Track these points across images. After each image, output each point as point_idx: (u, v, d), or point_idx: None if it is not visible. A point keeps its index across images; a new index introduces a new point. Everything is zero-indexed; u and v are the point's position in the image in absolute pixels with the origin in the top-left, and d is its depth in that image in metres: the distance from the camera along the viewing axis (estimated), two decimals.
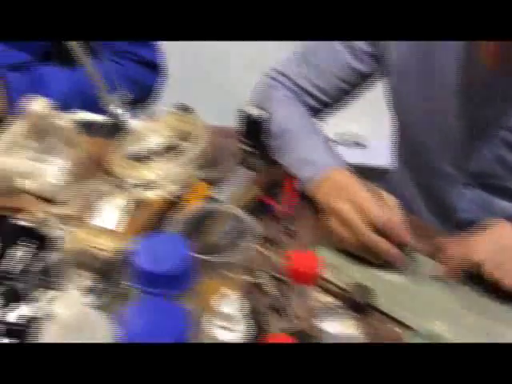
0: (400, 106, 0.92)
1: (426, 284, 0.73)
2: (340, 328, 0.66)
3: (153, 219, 0.76)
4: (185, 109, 0.92)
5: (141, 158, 0.86)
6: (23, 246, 0.72)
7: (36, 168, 0.78)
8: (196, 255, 0.55)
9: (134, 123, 0.92)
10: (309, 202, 0.82)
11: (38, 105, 0.76)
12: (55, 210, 0.76)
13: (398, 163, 1.02)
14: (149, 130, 0.89)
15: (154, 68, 1.12)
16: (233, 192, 0.80)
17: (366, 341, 0.63)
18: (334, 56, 0.91)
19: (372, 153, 1.72)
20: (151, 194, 0.79)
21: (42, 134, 0.78)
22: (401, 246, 0.73)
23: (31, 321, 0.62)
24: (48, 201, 0.78)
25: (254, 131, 0.85)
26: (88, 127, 0.87)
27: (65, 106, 0.83)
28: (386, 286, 0.72)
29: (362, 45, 0.89)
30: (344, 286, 0.71)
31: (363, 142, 1.82)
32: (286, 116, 0.90)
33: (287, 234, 0.79)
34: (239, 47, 1.80)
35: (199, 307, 0.56)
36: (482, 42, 0.71)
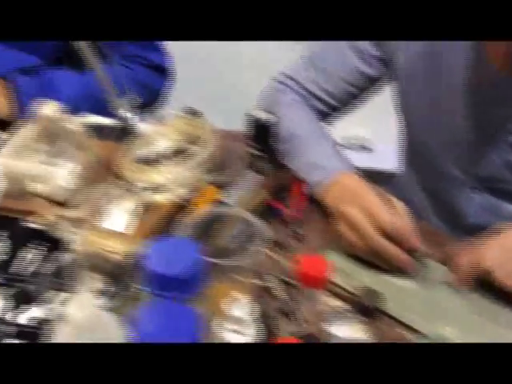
0: (408, 110, 0.92)
1: (435, 289, 0.73)
2: (349, 332, 0.67)
3: (162, 223, 0.77)
4: (193, 113, 0.92)
5: (150, 162, 0.86)
6: (34, 248, 0.73)
7: (47, 171, 0.78)
8: (206, 259, 0.56)
9: (143, 127, 0.92)
10: (317, 206, 0.82)
11: (49, 108, 0.77)
12: (66, 212, 0.76)
13: (405, 167, 1.02)
14: (158, 133, 0.90)
15: (162, 72, 1.12)
16: (241, 196, 0.80)
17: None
18: (342, 60, 0.91)
19: (378, 157, 1.73)
20: (160, 198, 0.80)
21: (52, 137, 0.79)
22: (411, 251, 0.73)
23: (42, 323, 0.63)
24: (58, 204, 0.78)
25: (263, 135, 0.86)
26: (97, 131, 0.88)
27: (74, 109, 0.84)
28: (395, 291, 0.72)
29: (370, 49, 0.89)
30: (353, 290, 0.71)
31: (369, 145, 1.82)
32: (295, 120, 0.90)
33: (296, 237, 0.79)
34: (248, 50, 1.81)
35: (209, 311, 0.56)
36: (491, 43, 0.71)
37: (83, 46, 0.85)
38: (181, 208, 0.78)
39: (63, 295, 0.57)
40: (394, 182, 1.06)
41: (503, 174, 0.84)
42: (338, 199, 0.77)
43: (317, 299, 0.64)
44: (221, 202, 0.77)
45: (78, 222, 0.74)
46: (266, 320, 0.62)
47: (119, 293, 0.58)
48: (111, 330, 0.48)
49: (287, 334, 0.64)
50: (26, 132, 0.80)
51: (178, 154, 0.86)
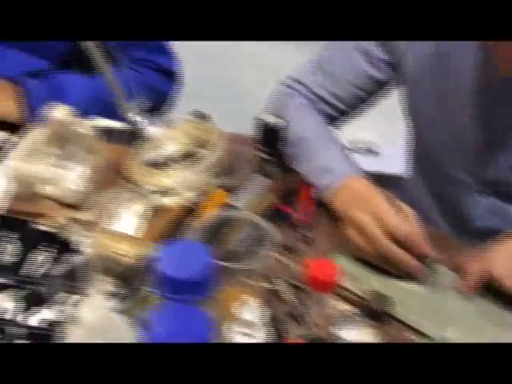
0: (415, 114, 0.92)
1: (444, 294, 0.73)
2: (358, 336, 0.67)
3: (171, 226, 0.77)
4: (201, 116, 0.93)
5: (159, 166, 0.87)
6: (44, 250, 0.73)
7: (57, 174, 0.79)
8: (217, 262, 0.56)
9: (151, 130, 0.93)
10: (326, 210, 0.82)
11: (59, 112, 0.78)
12: (76, 215, 0.77)
13: (412, 171, 1.02)
14: (166, 137, 0.90)
15: (171, 76, 1.13)
16: (250, 199, 0.81)
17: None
18: (351, 64, 0.91)
19: (385, 160, 1.72)
20: (169, 201, 0.80)
21: (62, 140, 0.79)
22: (421, 257, 0.73)
23: (53, 324, 0.63)
24: (69, 206, 0.79)
25: (271, 139, 0.86)
26: (107, 134, 0.88)
27: (84, 112, 0.84)
28: (403, 295, 0.72)
29: (378, 53, 0.89)
30: (362, 294, 0.71)
31: (376, 149, 1.82)
32: (303, 124, 0.90)
33: (304, 241, 0.79)
34: (257, 53, 1.82)
35: (219, 314, 0.56)
36: (498, 47, 0.70)
37: (92, 49, 0.86)
38: (190, 212, 0.79)
39: (74, 297, 0.57)
40: (401, 185, 1.06)
41: (510, 178, 0.84)
42: (347, 203, 0.77)
43: (326, 303, 0.64)
44: (229, 206, 0.78)
45: (88, 225, 0.74)
46: (275, 323, 0.63)
47: (130, 295, 0.58)
48: (123, 333, 0.49)
49: (296, 337, 0.64)
50: (36, 135, 0.81)
51: (187, 157, 0.86)
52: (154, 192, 0.81)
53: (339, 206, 0.79)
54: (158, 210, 0.80)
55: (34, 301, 0.67)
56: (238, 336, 0.56)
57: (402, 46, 0.86)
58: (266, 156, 0.86)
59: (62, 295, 0.58)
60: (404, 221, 0.72)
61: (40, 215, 0.77)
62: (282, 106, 0.93)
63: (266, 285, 0.68)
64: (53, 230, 0.74)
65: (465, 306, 0.72)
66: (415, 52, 0.85)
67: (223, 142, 0.86)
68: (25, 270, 0.70)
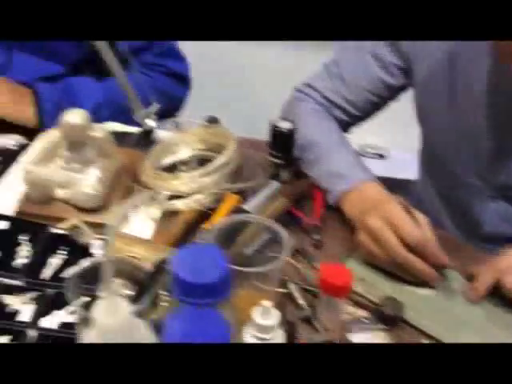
0: (426, 118, 0.92)
1: (455, 298, 0.73)
2: (370, 341, 0.67)
3: (184, 230, 0.78)
4: (214, 121, 0.93)
5: (172, 170, 0.87)
6: (60, 253, 0.74)
7: (71, 178, 0.79)
8: (231, 266, 0.56)
9: (164, 135, 0.94)
10: (337, 215, 0.83)
11: (74, 116, 0.78)
12: (90, 219, 0.78)
13: (422, 175, 1.03)
14: (179, 141, 0.91)
15: (181, 80, 1.14)
16: (262, 204, 0.81)
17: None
18: (363, 69, 0.91)
19: (393, 165, 1.73)
20: (183, 206, 0.80)
21: (77, 144, 0.80)
22: (436, 265, 0.73)
23: (69, 327, 0.64)
24: (83, 210, 0.79)
25: (284, 144, 0.86)
26: (120, 138, 0.89)
27: (96, 116, 0.85)
28: (415, 300, 0.72)
29: (391, 58, 0.89)
30: (373, 299, 0.71)
31: (385, 153, 1.83)
32: (315, 129, 0.90)
33: (316, 245, 0.80)
34: (269, 59, 1.82)
35: (234, 317, 0.57)
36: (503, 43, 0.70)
37: (105, 53, 0.87)
38: (203, 216, 0.79)
39: (89, 300, 0.58)
40: (410, 189, 1.06)
41: None
42: (359, 208, 0.78)
43: (338, 307, 0.64)
44: (242, 210, 0.78)
45: (102, 228, 0.75)
46: (287, 327, 0.63)
47: (146, 299, 0.59)
48: (142, 336, 0.49)
49: (308, 341, 0.65)
50: (51, 139, 0.81)
51: (200, 161, 0.87)
52: (168, 196, 0.81)
53: (351, 211, 0.80)
54: (171, 215, 0.80)
55: (50, 303, 0.67)
56: (251, 339, 0.57)
57: (415, 50, 0.86)
58: (278, 160, 0.87)
59: (77, 298, 0.58)
60: (417, 227, 0.72)
61: (54, 218, 0.78)
62: (295, 111, 0.93)
63: (280, 289, 0.68)
64: (69, 234, 0.75)
65: (477, 312, 0.72)
66: (427, 56, 0.85)
67: (236, 146, 0.86)
68: (40, 272, 0.71)
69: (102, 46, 0.86)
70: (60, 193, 0.81)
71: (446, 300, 0.73)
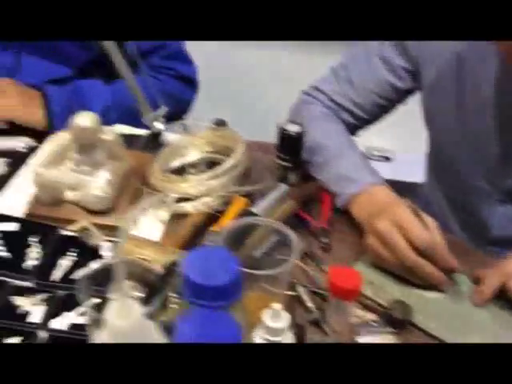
0: (435, 122, 0.92)
1: (464, 302, 0.73)
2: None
3: (193, 233, 0.78)
4: (222, 123, 0.94)
5: (180, 172, 0.88)
6: (70, 255, 0.74)
7: (80, 180, 0.80)
8: (241, 269, 0.57)
9: (173, 137, 0.94)
10: (346, 218, 0.83)
11: (83, 118, 0.79)
12: (100, 221, 0.78)
13: (430, 178, 1.03)
14: (188, 144, 0.91)
15: (190, 82, 1.14)
16: (270, 206, 0.81)
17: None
18: (372, 72, 0.92)
19: (399, 167, 1.72)
20: (191, 208, 0.81)
21: (87, 147, 0.80)
22: (446, 269, 0.73)
23: (80, 329, 0.64)
24: (93, 212, 0.80)
25: (292, 147, 0.87)
26: (128, 141, 0.90)
27: (104, 119, 0.85)
28: (423, 303, 0.72)
29: (399, 61, 0.89)
30: (382, 302, 0.71)
31: (390, 155, 1.83)
32: (324, 132, 0.91)
33: (324, 248, 0.80)
34: (277, 62, 1.83)
35: (243, 320, 0.57)
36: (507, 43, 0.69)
37: (114, 56, 0.87)
38: (211, 218, 0.80)
39: (99, 302, 0.58)
40: (417, 192, 1.06)
41: None
42: (368, 212, 0.78)
43: (346, 310, 0.64)
44: (251, 213, 0.78)
45: (111, 230, 0.75)
46: (297, 330, 0.63)
47: (156, 301, 0.59)
48: (153, 338, 0.49)
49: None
50: (60, 141, 0.82)
51: (209, 164, 0.87)
52: (177, 199, 0.81)
53: (360, 215, 0.80)
54: (179, 217, 0.81)
55: (60, 305, 0.68)
56: (259, 341, 0.57)
57: (423, 54, 0.87)
58: (286, 163, 0.87)
59: (87, 300, 0.58)
60: (426, 230, 0.72)
61: (64, 220, 0.78)
62: (303, 114, 0.94)
63: (288, 291, 0.68)
64: (78, 236, 0.75)
65: (485, 315, 0.72)
66: (436, 58, 0.85)
67: (245, 149, 0.86)
68: (50, 274, 0.71)
69: (110, 48, 0.87)
70: (70, 195, 0.81)
71: (455, 304, 0.73)
